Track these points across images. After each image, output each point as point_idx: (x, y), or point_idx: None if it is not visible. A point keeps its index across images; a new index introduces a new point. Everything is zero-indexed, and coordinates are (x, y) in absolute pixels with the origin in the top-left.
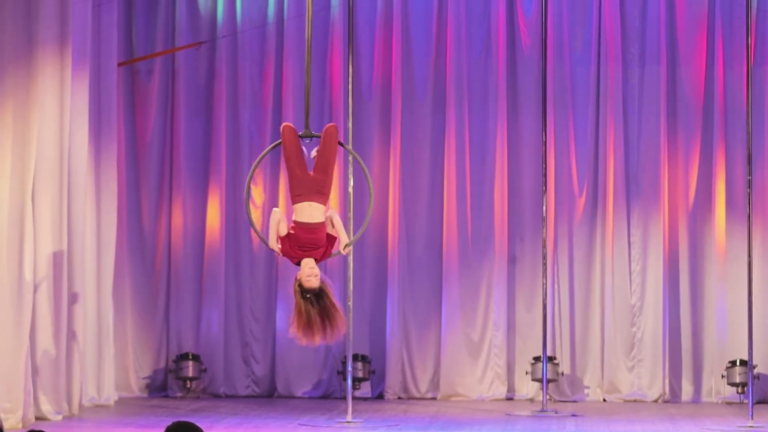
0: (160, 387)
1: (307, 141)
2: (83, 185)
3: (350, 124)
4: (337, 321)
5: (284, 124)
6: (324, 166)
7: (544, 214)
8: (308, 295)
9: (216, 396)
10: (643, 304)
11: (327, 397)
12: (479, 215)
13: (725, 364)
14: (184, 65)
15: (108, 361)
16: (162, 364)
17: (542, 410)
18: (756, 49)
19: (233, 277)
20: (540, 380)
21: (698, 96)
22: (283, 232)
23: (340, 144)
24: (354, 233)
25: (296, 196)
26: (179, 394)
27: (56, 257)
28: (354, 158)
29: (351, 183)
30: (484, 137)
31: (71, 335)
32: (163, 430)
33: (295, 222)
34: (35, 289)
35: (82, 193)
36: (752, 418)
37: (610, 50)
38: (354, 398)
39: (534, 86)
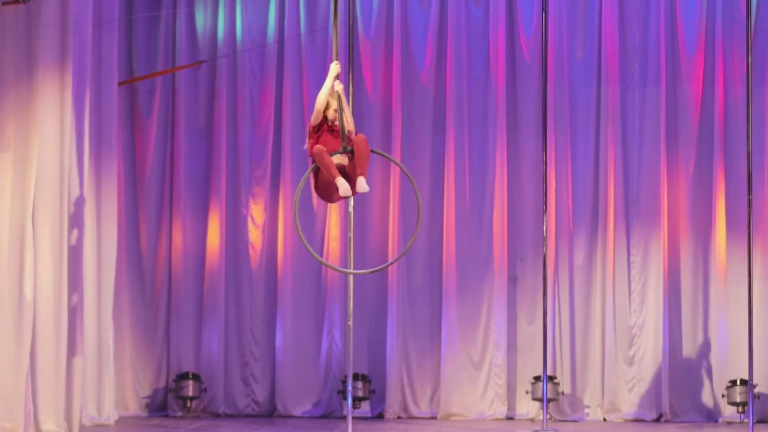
0: (160, 406)
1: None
2: (83, 205)
3: None
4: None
5: (317, 147)
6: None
7: (545, 234)
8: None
9: (216, 415)
10: (644, 324)
11: (327, 416)
12: (479, 235)
13: (725, 383)
14: (185, 85)
15: (108, 380)
16: (162, 384)
17: (542, 430)
18: (756, 68)
19: (233, 296)
20: (540, 399)
21: (698, 116)
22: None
23: (380, 154)
24: (354, 254)
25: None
26: (179, 414)
27: (56, 277)
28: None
29: (351, 203)
30: (484, 157)
31: (71, 354)
32: None
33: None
34: (35, 308)
35: (82, 213)
36: None
37: (610, 70)
38: (354, 418)
39: (534, 106)
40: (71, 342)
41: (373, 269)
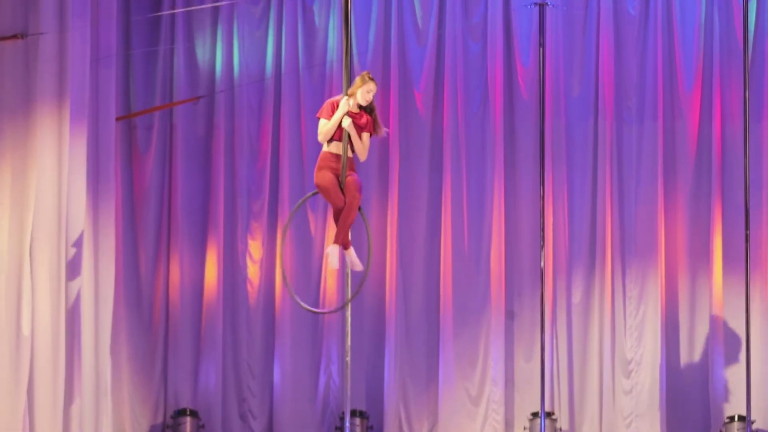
0: None
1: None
2: (81, 240)
3: None
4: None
5: (319, 179)
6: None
7: (542, 269)
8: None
9: None
10: (641, 359)
11: None
12: (477, 270)
13: (723, 419)
14: (182, 120)
15: (105, 416)
16: (160, 420)
17: None
18: (753, 103)
19: (231, 332)
20: None
21: (695, 150)
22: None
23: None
24: (352, 289)
25: None
26: None
27: (54, 312)
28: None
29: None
30: (481, 192)
31: (69, 390)
32: None
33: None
34: (33, 344)
35: (80, 248)
36: None
37: (607, 105)
38: None
39: (531, 141)
40: (69, 378)
41: (327, 311)
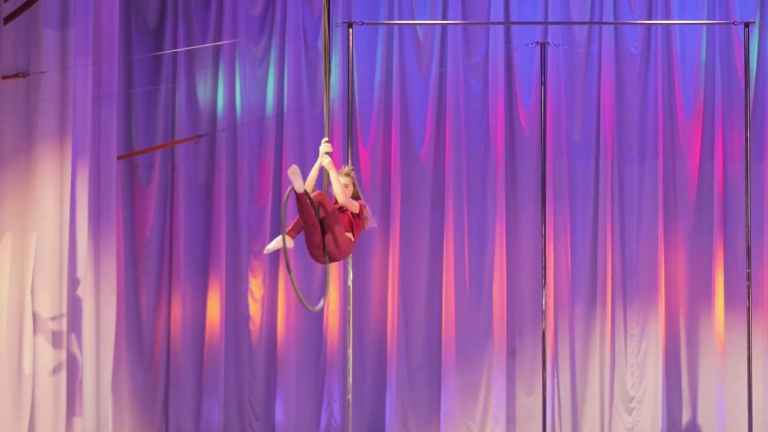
0: None
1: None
2: (82, 278)
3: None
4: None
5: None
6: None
7: (544, 307)
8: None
9: None
10: (643, 397)
11: None
12: (478, 308)
13: None
14: (184, 158)
15: None
16: None
17: None
18: (754, 142)
19: (233, 370)
20: None
21: (696, 189)
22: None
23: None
24: (353, 328)
25: None
26: None
27: (55, 350)
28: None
29: (350, 277)
30: (483, 230)
31: (70, 429)
32: None
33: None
34: (34, 382)
35: (81, 287)
36: None
37: (608, 143)
38: None
39: (533, 179)
40: (70, 416)
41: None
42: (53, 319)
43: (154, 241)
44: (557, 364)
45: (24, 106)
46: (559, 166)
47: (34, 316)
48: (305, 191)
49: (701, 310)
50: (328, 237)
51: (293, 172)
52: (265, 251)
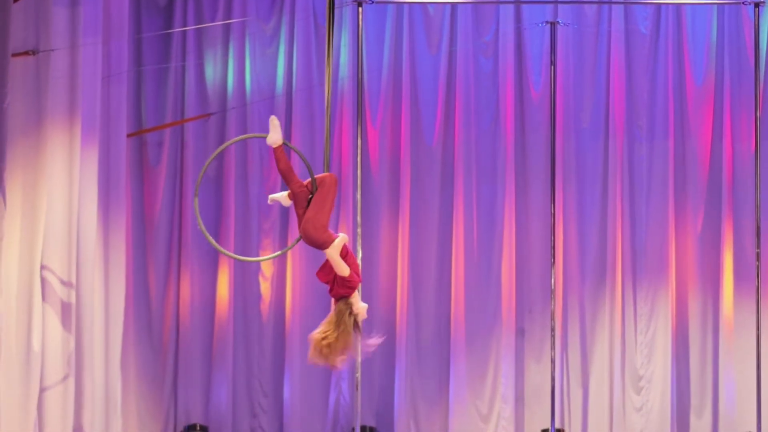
0: None
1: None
2: (92, 257)
3: (359, 196)
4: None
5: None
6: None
7: (553, 287)
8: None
9: None
10: (652, 377)
11: None
12: (487, 288)
13: None
14: (193, 137)
15: None
16: None
17: None
18: (764, 122)
19: (242, 348)
20: None
21: (707, 169)
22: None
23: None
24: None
25: None
26: None
27: (65, 328)
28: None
29: (360, 260)
30: (492, 210)
31: (78, 407)
32: None
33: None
34: (43, 360)
35: (91, 265)
36: None
37: (617, 123)
38: None
39: (542, 158)
40: (78, 394)
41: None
42: (62, 297)
43: (163, 220)
44: (566, 344)
45: (34, 83)
46: (568, 146)
47: (44, 293)
48: (283, 144)
49: (710, 289)
50: (308, 214)
51: (272, 122)
52: (269, 200)
